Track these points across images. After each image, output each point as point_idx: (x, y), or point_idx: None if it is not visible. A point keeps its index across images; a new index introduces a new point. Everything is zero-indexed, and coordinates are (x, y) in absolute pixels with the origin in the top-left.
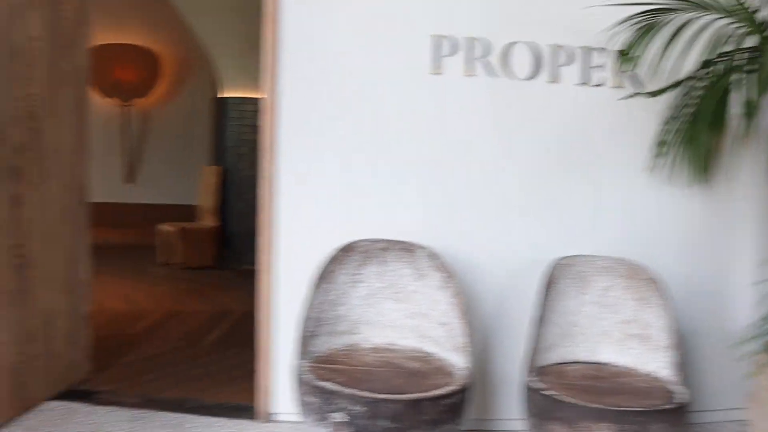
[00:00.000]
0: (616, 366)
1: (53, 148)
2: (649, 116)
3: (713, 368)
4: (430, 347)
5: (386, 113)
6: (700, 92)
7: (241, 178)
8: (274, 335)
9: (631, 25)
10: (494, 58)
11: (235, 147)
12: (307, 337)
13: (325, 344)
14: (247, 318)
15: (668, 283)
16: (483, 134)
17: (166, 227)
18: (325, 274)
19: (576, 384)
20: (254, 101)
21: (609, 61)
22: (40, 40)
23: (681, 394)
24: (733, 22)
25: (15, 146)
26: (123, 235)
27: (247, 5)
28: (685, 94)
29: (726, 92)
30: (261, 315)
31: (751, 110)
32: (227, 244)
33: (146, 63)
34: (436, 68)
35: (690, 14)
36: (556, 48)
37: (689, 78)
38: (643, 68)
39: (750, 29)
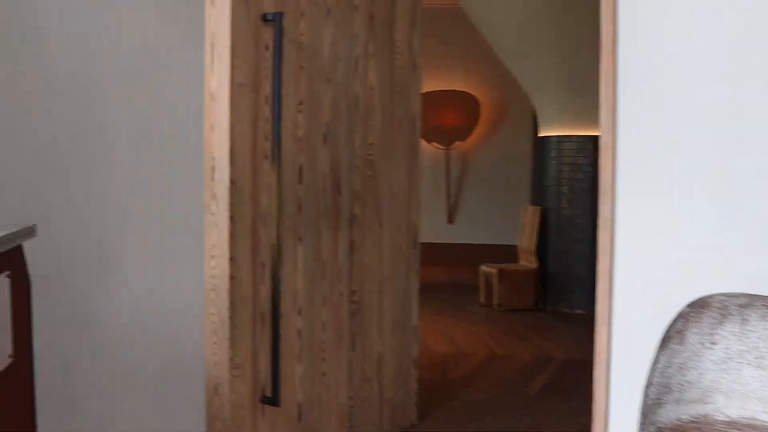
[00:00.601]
0: None
1: (388, 193)
2: None
3: None
4: None
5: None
6: None
7: (561, 217)
8: (612, 394)
9: None
10: None
11: (555, 186)
12: (650, 405)
13: (671, 414)
14: (570, 365)
15: None
16: None
17: (486, 268)
18: (673, 334)
19: None
20: (573, 139)
21: None
22: (376, 89)
23: None
24: None
25: (354, 194)
26: (445, 273)
27: (566, 44)
28: None
29: None
30: (598, 372)
31: None
32: (546, 284)
33: (467, 107)
34: None
35: None
36: None
37: None
38: None
39: None
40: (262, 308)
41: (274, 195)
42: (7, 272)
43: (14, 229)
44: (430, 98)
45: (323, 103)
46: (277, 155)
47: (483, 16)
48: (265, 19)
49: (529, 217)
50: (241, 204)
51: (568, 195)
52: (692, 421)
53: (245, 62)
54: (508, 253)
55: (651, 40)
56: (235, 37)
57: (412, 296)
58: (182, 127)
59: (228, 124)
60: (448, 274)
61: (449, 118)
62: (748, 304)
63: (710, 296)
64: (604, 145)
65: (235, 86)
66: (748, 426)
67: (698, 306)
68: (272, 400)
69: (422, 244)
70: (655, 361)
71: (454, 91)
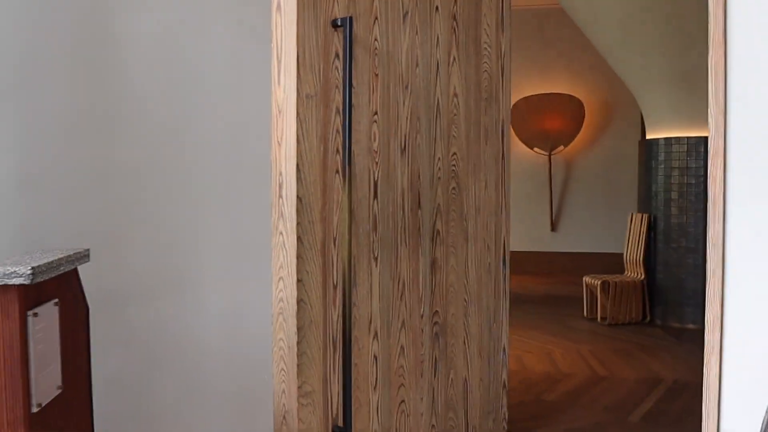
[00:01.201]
0: None
1: (473, 207)
2: None
3: None
4: None
5: None
6: None
7: (670, 225)
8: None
9: None
10: None
11: (664, 192)
12: None
13: None
14: (679, 389)
15: None
16: None
17: (589, 279)
18: None
19: None
20: (683, 141)
21: None
22: (460, 96)
23: None
24: None
25: (437, 209)
26: (546, 284)
27: (675, 39)
28: None
29: None
30: (707, 407)
31: None
32: (655, 297)
33: (572, 111)
34: None
35: None
36: None
37: None
38: None
39: None
40: (334, 333)
41: (345, 212)
42: (56, 300)
43: (62, 254)
44: (532, 102)
45: (400, 113)
46: (347, 170)
47: (584, 14)
48: (334, 25)
49: (636, 225)
50: (310, 223)
51: (677, 201)
52: None
53: (313, 72)
54: (615, 262)
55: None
56: (302, 44)
57: (502, 317)
58: (257, 144)
59: (294, 138)
60: (551, 284)
61: (552, 122)
62: None
63: None
64: (713, 151)
65: (302, 98)
66: None
67: None
68: (344, 430)
69: (524, 253)
70: None
71: (558, 94)
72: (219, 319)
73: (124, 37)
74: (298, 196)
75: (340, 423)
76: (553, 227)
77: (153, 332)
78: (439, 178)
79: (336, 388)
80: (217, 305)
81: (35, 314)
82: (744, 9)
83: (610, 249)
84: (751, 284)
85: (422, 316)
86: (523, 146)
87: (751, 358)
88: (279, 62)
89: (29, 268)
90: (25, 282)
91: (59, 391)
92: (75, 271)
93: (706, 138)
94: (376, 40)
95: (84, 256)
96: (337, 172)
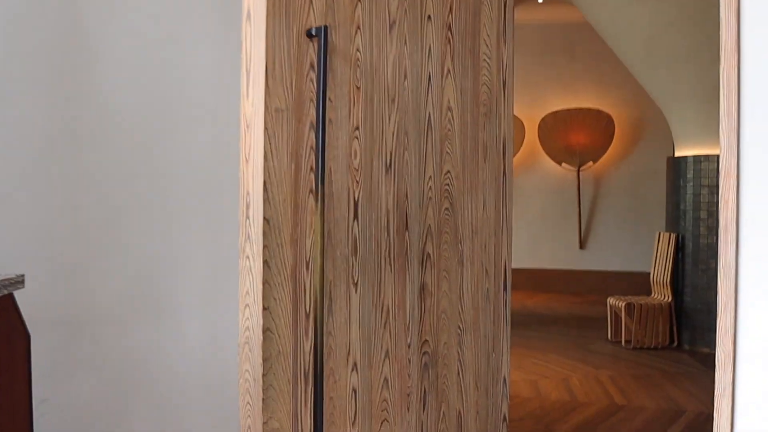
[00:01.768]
0: None
1: (470, 228)
2: None
3: None
4: None
5: None
6: None
7: (699, 246)
8: None
9: None
10: None
11: (692, 211)
12: None
13: None
14: (704, 422)
15: None
16: None
17: (613, 300)
18: None
19: None
20: (713, 159)
21: None
22: (454, 110)
23: None
24: None
25: (427, 230)
26: (573, 303)
27: (703, 53)
28: None
29: None
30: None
31: None
32: (683, 321)
33: (600, 126)
34: None
35: None
36: None
37: None
38: None
39: None
40: (306, 365)
41: (318, 234)
42: None
43: None
44: (560, 117)
45: (386, 128)
46: (319, 189)
47: (609, 27)
48: (309, 35)
49: (663, 245)
50: (278, 246)
51: (707, 221)
52: None
53: (284, 84)
54: (645, 281)
55: None
56: (271, 55)
57: (503, 346)
58: (237, 162)
59: (262, 154)
60: (577, 304)
61: (580, 137)
62: None
63: None
64: (725, 171)
65: (271, 112)
66: None
67: None
68: None
69: (551, 271)
70: None
71: (587, 109)
72: (195, 346)
73: (98, 47)
74: (265, 218)
75: None
76: (582, 245)
77: (126, 358)
78: (431, 197)
79: (307, 423)
80: (193, 331)
81: None
82: (760, 15)
83: (640, 268)
84: (762, 309)
85: (409, 346)
86: (551, 162)
87: (759, 387)
88: (248, 74)
89: None
90: None
91: None
92: (9, 297)
93: None
94: (358, 50)
95: (17, 282)
96: (311, 191)
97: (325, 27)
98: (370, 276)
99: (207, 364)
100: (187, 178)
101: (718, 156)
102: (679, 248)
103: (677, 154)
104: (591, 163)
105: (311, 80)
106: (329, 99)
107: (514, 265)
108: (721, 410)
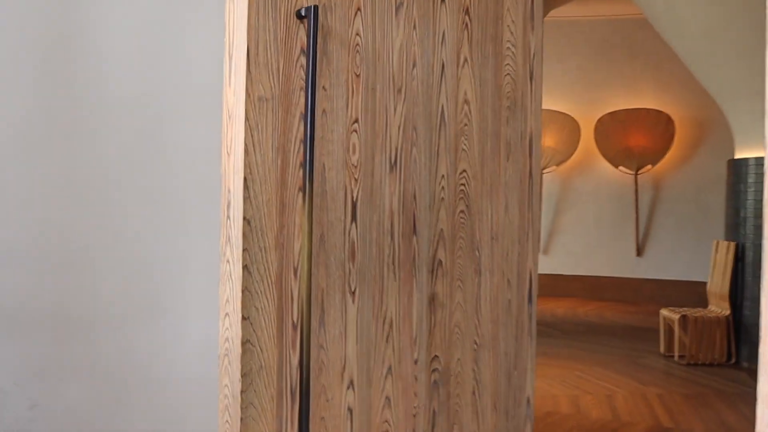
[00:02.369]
0: None
1: (488, 234)
2: None
3: None
4: None
5: None
6: None
7: (760, 255)
8: None
9: None
10: None
11: (754, 218)
12: None
13: None
14: None
15: None
16: None
17: (667, 312)
18: None
19: None
20: None
21: None
22: (472, 103)
23: None
24: None
25: (438, 234)
26: (628, 313)
27: (760, 49)
28: None
29: None
30: None
31: None
32: (742, 336)
33: (659, 127)
34: None
35: None
36: None
37: None
38: None
39: None
40: (292, 381)
41: (306, 237)
42: None
43: None
44: (617, 118)
45: (391, 121)
46: (307, 186)
47: (666, 22)
48: (300, 16)
49: (722, 254)
50: (261, 250)
51: None
52: None
53: (269, 70)
54: (702, 292)
55: None
56: (254, 38)
57: (526, 364)
58: None
59: (242, 148)
60: (632, 314)
61: (638, 139)
62: None
63: None
64: None
65: (253, 100)
66: None
67: None
68: None
69: (607, 278)
70: None
71: (645, 109)
72: (194, 348)
73: (99, 48)
74: (245, 218)
75: None
76: (639, 252)
77: (122, 360)
78: (443, 199)
79: None
80: (192, 333)
81: None
82: None
83: (701, 278)
84: None
85: (416, 362)
86: (608, 165)
87: None
88: (230, 59)
89: None
90: None
91: None
92: None
93: None
94: (357, 34)
95: None
96: (301, 189)
97: (315, 7)
98: (370, 284)
99: (206, 366)
100: (188, 175)
101: None
102: (739, 258)
103: (737, 156)
104: (650, 166)
105: (301, 66)
106: (323, 87)
107: (567, 272)
108: (763, 418)
